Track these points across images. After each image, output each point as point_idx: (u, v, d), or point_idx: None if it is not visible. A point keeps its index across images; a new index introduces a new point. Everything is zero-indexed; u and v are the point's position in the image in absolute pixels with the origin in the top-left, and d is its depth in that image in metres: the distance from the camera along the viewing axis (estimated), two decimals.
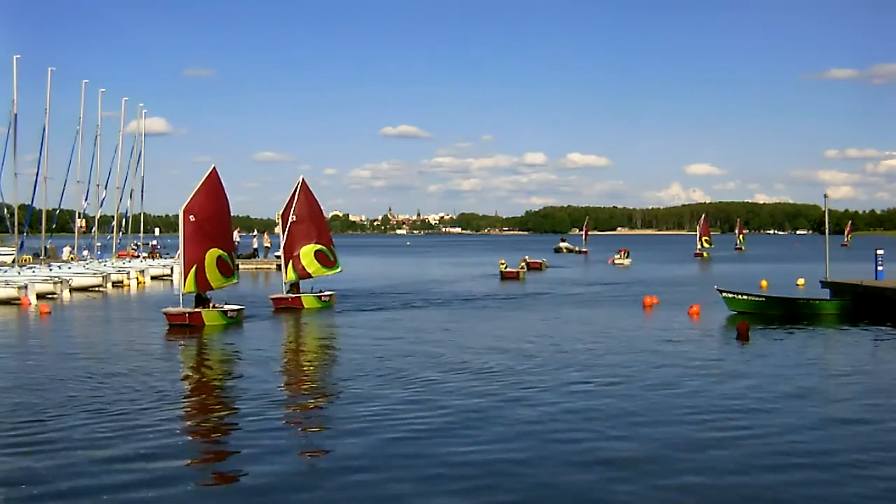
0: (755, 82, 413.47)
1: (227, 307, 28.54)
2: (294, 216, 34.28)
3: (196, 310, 27.62)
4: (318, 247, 34.61)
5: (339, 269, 36.04)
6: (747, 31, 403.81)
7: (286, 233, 34.37)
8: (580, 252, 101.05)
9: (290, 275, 34.12)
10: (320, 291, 34.87)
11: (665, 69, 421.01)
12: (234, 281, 30.11)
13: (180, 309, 27.65)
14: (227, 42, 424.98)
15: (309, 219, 34.79)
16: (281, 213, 34.79)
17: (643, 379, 17.67)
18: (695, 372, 18.63)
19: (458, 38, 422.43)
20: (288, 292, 33.96)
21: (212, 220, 28.47)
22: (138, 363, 20.02)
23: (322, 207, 36.24)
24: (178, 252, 29.13)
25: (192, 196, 28.33)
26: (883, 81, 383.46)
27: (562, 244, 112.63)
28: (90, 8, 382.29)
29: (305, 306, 33.30)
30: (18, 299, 36.19)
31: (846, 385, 17.39)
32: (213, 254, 28.19)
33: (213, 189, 28.89)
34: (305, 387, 17.86)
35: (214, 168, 29.00)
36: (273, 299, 33.59)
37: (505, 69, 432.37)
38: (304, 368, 20.69)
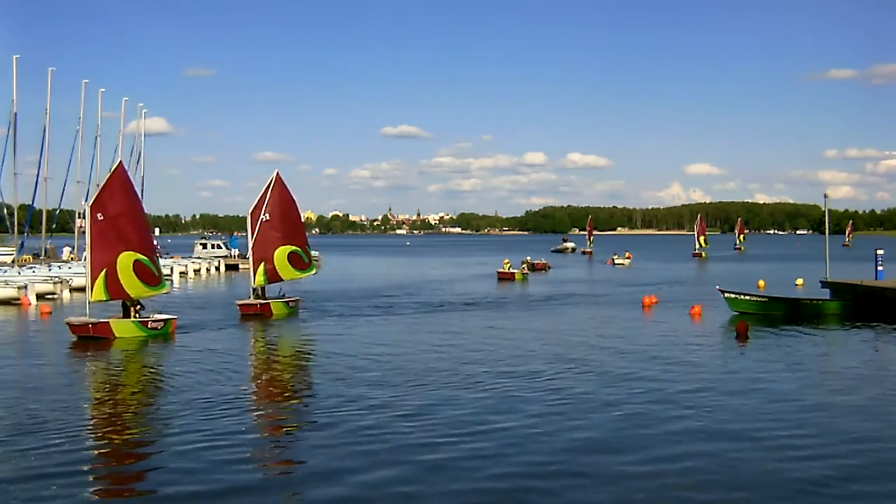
0: (755, 82, 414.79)
1: (153, 316, 25.38)
2: (267, 215, 31.56)
3: (103, 320, 24.43)
4: (292, 248, 31.99)
5: (313, 272, 33.61)
6: (747, 31, 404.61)
7: (256, 232, 31.54)
8: (584, 252, 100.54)
9: (260, 278, 31.41)
10: (282, 295, 32.43)
11: (665, 69, 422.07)
12: (164, 290, 26.42)
13: (84, 319, 24.34)
14: (228, 42, 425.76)
15: (283, 218, 32.06)
16: (251, 210, 31.92)
17: (647, 385, 17.60)
18: (694, 376, 18.64)
19: (458, 38, 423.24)
20: (255, 298, 31.31)
21: (124, 218, 24.89)
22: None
23: (298, 205, 33.42)
24: (84, 254, 25.58)
25: (100, 190, 25.05)
26: (883, 81, 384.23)
27: (567, 244, 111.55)
28: (90, 8, 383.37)
29: (275, 313, 30.65)
30: (18, 299, 36.19)
31: (844, 385, 17.35)
32: (127, 257, 24.63)
33: (123, 184, 25.44)
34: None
35: (121, 162, 26.12)
36: (240, 305, 31.03)
37: (505, 69, 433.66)
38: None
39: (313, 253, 74.46)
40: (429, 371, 18.77)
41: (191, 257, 67.20)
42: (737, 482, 10.63)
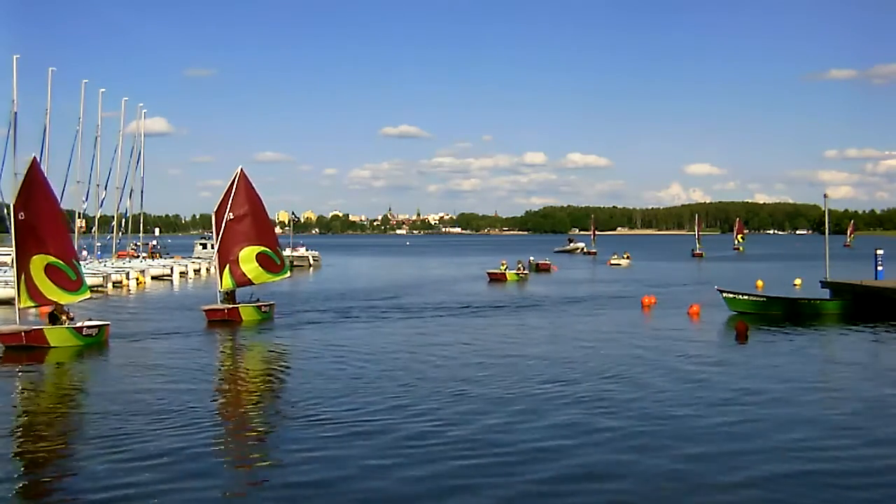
0: (755, 82, 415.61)
1: (85, 323, 23.43)
2: (231, 213, 29.43)
3: (37, 328, 22.64)
4: (261, 249, 29.71)
5: (287, 275, 31.28)
6: (747, 31, 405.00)
7: (221, 233, 29.49)
8: (588, 253, 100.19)
9: (227, 282, 29.27)
10: (257, 300, 30.11)
11: (665, 69, 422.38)
12: (84, 296, 24.12)
13: (15, 327, 22.41)
14: (228, 42, 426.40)
15: (249, 216, 29.82)
16: (216, 210, 29.89)
17: (650, 388, 17.55)
18: (702, 377, 18.60)
19: (459, 38, 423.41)
20: (223, 302, 29.26)
21: (38, 219, 22.83)
22: None
23: (265, 204, 31.07)
24: (11, 257, 24.05)
25: (20, 188, 23.04)
26: (883, 81, 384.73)
27: (578, 244, 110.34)
28: (90, 8, 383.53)
29: (244, 319, 28.45)
30: None
31: (843, 386, 17.36)
32: (39, 261, 22.72)
33: (37, 183, 23.40)
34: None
35: (35, 159, 24.07)
36: (206, 311, 28.81)
37: (505, 69, 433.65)
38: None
39: (313, 252, 75.76)
40: (411, 379, 18.38)
41: (191, 257, 67.21)
42: (758, 482, 10.63)
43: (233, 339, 25.08)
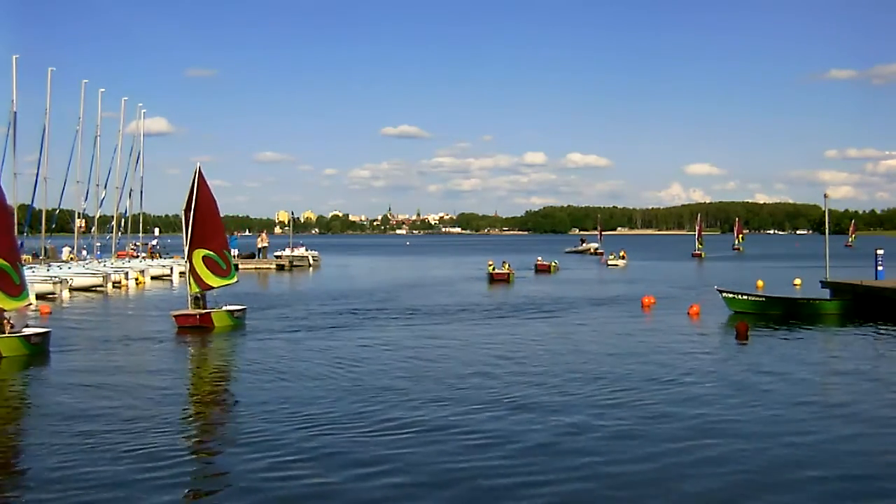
0: (755, 82, 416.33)
1: (29, 331, 21.81)
2: (193, 213, 27.82)
3: None
4: (205, 252, 27.87)
5: (234, 280, 29.22)
6: (747, 31, 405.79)
7: (191, 233, 27.79)
8: (597, 253, 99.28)
9: (194, 286, 27.74)
10: (221, 305, 28.58)
11: (665, 69, 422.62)
12: (26, 302, 22.19)
13: None
14: (229, 42, 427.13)
15: (208, 217, 28.31)
16: (183, 209, 28.19)
17: (650, 389, 17.51)
18: (695, 377, 18.58)
19: (458, 37, 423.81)
20: (193, 306, 27.51)
21: None
22: None
23: (217, 203, 29.03)
24: None
25: None
26: (883, 81, 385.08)
27: (589, 245, 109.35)
28: (90, 8, 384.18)
29: (216, 325, 26.72)
30: None
31: (844, 386, 17.32)
32: None
33: None
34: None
35: None
36: (176, 316, 27.08)
37: (505, 69, 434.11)
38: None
39: (313, 253, 75.65)
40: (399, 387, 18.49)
41: None
42: (779, 482, 10.63)
43: (203, 347, 23.60)
